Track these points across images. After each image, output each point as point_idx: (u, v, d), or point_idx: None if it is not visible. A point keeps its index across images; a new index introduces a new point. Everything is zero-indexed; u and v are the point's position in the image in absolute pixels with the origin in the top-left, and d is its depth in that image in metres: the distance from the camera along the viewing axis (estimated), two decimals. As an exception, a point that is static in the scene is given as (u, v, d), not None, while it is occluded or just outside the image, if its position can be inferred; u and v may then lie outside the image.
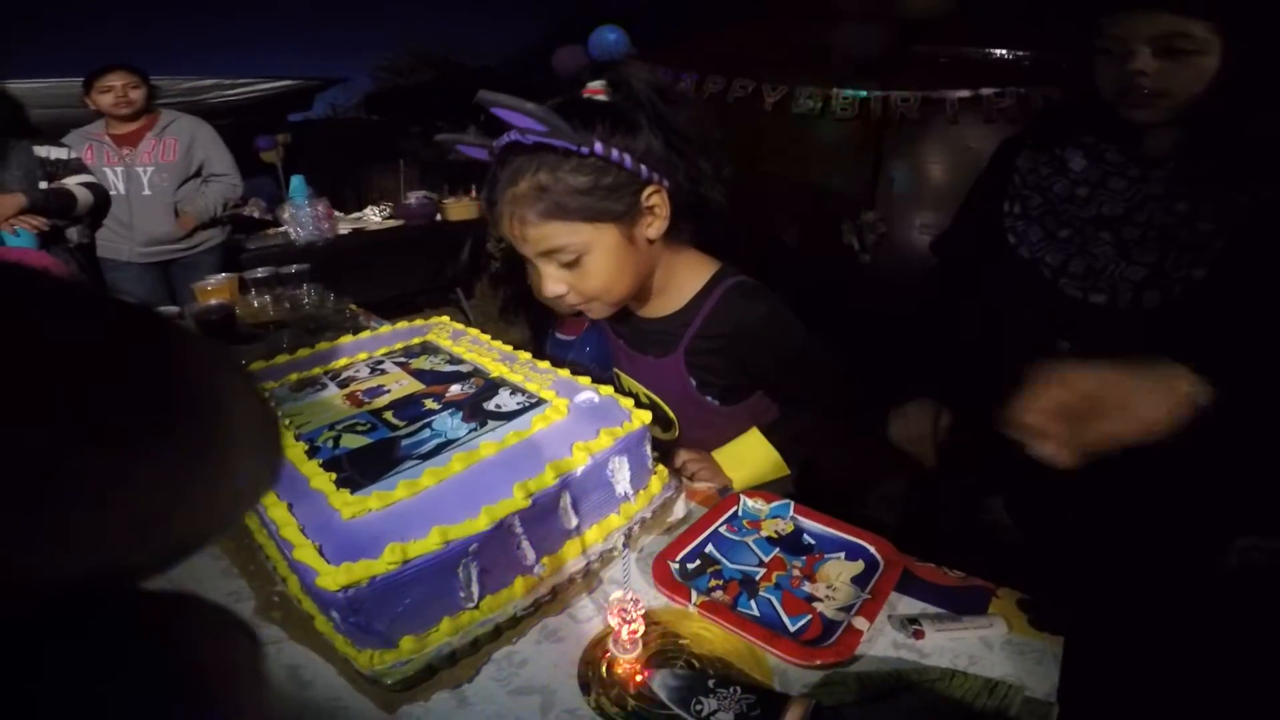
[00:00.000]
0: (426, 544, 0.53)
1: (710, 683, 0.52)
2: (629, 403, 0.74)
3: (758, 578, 0.65)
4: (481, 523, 0.56)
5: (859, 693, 0.53)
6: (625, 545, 0.70)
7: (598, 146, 0.72)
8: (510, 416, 0.73)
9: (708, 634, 0.59)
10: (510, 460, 0.64)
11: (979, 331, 1.00)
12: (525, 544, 0.60)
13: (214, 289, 1.61)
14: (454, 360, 0.89)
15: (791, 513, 0.74)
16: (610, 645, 0.55)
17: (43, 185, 2.19)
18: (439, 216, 3.60)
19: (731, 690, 0.51)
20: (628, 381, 0.97)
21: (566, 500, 0.63)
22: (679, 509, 0.77)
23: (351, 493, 0.60)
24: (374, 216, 3.58)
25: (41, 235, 2.16)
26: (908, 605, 0.63)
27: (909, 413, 1.06)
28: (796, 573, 0.66)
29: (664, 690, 0.51)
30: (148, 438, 0.13)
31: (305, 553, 0.54)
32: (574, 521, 0.65)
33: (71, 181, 2.26)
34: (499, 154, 0.77)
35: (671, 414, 0.93)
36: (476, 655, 0.57)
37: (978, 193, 1.04)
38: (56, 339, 0.12)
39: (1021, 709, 0.51)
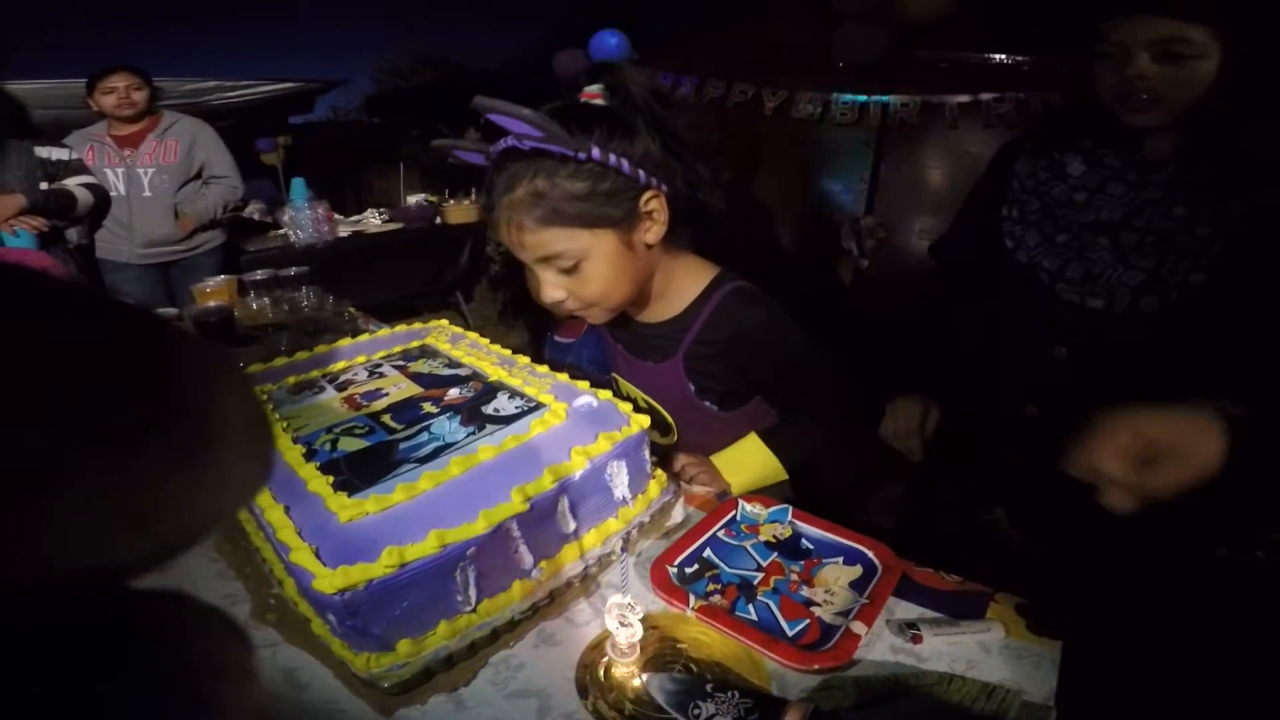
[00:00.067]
0: (424, 547, 0.53)
1: (708, 687, 0.52)
2: (627, 407, 0.74)
3: (756, 582, 0.65)
4: (479, 526, 0.56)
5: (857, 697, 0.53)
6: (623, 549, 0.70)
7: (595, 152, 0.72)
8: (509, 420, 0.73)
9: (705, 638, 0.59)
10: (508, 464, 0.64)
11: (977, 336, 1.01)
12: (523, 548, 0.60)
13: (213, 291, 1.61)
14: (453, 364, 0.89)
15: (790, 517, 0.74)
16: (608, 649, 0.55)
17: (43, 186, 2.20)
18: (439, 220, 3.60)
19: (729, 694, 0.51)
20: (625, 386, 0.97)
21: (564, 504, 0.63)
22: (677, 513, 0.77)
23: (349, 496, 0.60)
24: (374, 219, 3.58)
25: (41, 236, 2.17)
26: (905, 610, 0.63)
27: (898, 409, 1.06)
28: (794, 577, 0.66)
29: (661, 694, 0.51)
30: (144, 437, 0.13)
31: (302, 555, 0.54)
32: (572, 526, 0.65)
33: (72, 182, 2.26)
34: (496, 159, 0.76)
35: (670, 419, 0.93)
36: (474, 659, 0.57)
37: (976, 197, 1.04)
38: (55, 340, 0.12)
39: (1019, 713, 0.51)
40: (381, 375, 0.86)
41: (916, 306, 1.16)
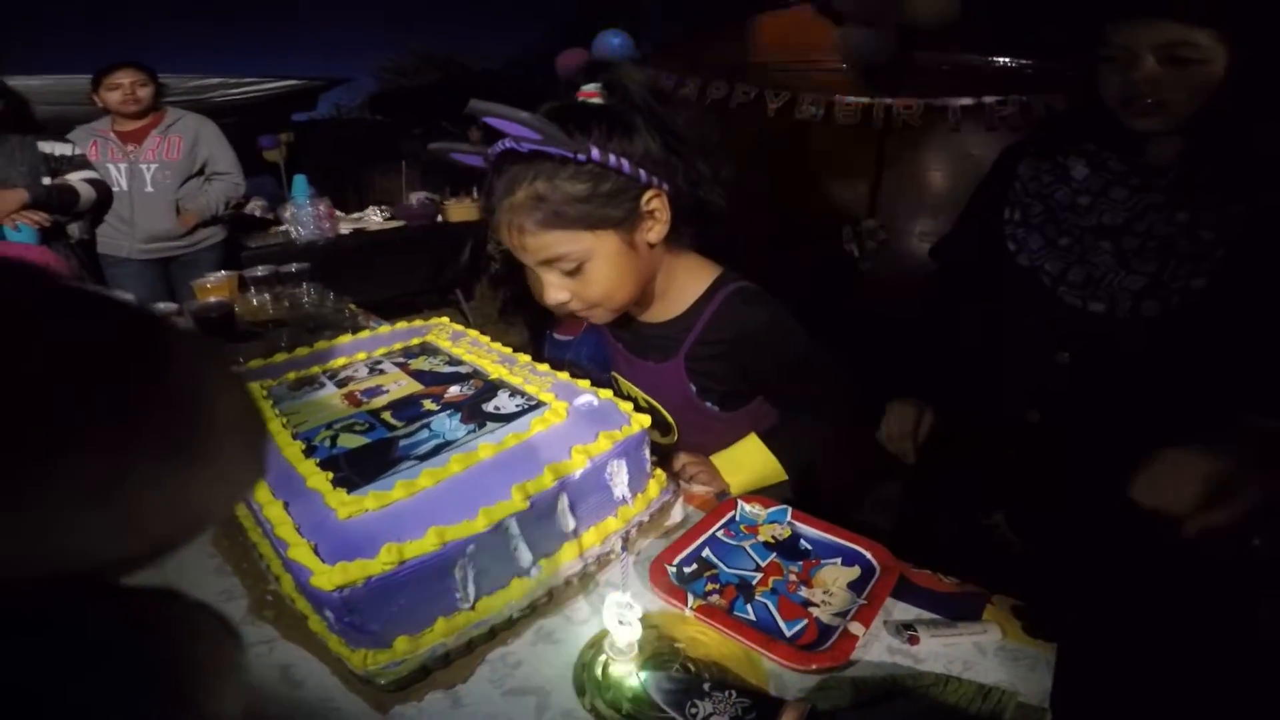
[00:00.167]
0: (423, 545, 0.53)
1: (706, 686, 0.52)
2: (628, 406, 0.74)
3: (754, 582, 0.65)
4: (479, 524, 0.56)
5: (854, 697, 0.53)
6: (624, 548, 0.70)
7: (594, 152, 0.71)
8: (509, 418, 0.73)
9: (704, 638, 0.59)
10: (508, 462, 0.64)
11: (978, 338, 1.01)
12: (522, 546, 0.60)
13: (214, 286, 1.61)
14: (453, 361, 0.89)
15: (789, 518, 0.74)
16: (606, 648, 0.55)
17: (46, 181, 2.20)
18: (440, 217, 3.60)
19: (727, 694, 0.51)
20: (626, 385, 0.96)
21: (564, 503, 0.63)
22: (676, 513, 0.77)
23: (348, 492, 0.60)
24: (375, 216, 3.58)
25: (43, 231, 2.17)
26: (903, 611, 0.63)
27: (893, 411, 1.06)
28: (793, 578, 0.66)
29: (659, 693, 0.51)
30: (137, 433, 0.13)
31: (300, 552, 0.53)
32: (571, 524, 0.65)
33: (74, 177, 2.27)
34: (494, 162, 0.76)
35: (670, 419, 0.93)
36: (471, 656, 0.57)
37: (979, 199, 1.04)
38: (48, 336, 0.12)
39: (1015, 714, 0.51)
40: (382, 372, 0.86)
41: (917, 308, 1.16)
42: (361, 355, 0.93)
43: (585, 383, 0.79)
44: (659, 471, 0.76)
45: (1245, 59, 0.74)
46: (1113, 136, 0.85)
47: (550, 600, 0.63)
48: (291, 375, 0.87)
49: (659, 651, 0.57)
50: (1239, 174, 0.79)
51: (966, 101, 2.16)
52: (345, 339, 0.99)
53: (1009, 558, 0.98)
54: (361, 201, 4.09)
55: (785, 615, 0.61)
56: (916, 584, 0.65)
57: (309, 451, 0.67)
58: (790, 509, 0.74)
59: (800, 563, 0.68)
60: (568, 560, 0.64)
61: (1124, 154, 0.86)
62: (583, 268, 0.77)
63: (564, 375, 0.82)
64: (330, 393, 0.82)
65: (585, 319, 0.88)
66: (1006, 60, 2.14)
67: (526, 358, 0.88)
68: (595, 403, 0.75)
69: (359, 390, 0.81)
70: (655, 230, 0.79)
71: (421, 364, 0.89)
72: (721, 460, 0.90)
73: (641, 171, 0.75)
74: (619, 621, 0.53)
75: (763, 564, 0.68)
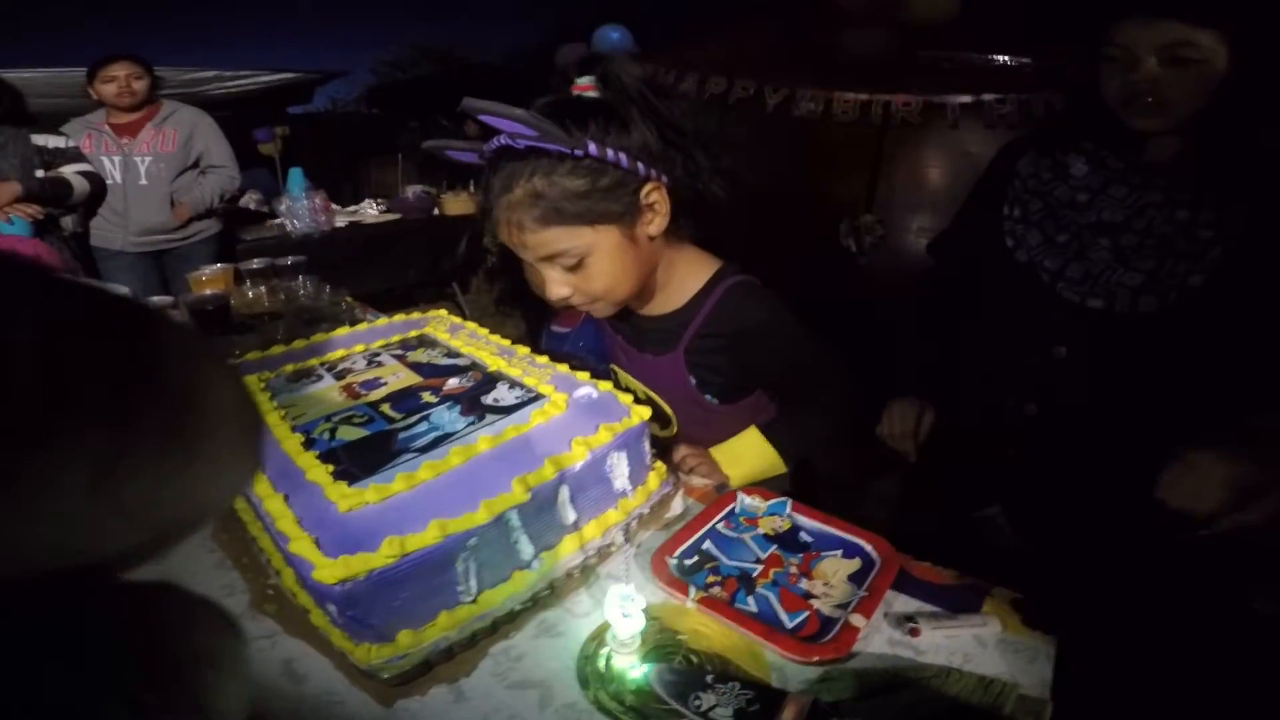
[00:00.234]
0: (424, 538, 0.53)
1: (709, 678, 0.52)
2: (628, 399, 0.74)
3: (755, 574, 0.65)
4: (480, 516, 0.55)
5: (857, 689, 0.53)
6: (625, 540, 0.70)
7: (591, 147, 0.71)
8: (509, 411, 0.72)
9: (706, 629, 0.59)
10: (508, 454, 0.64)
11: (976, 334, 1.01)
12: (523, 538, 0.60)
13: (209, 279, 1.60)
14: (452, 354, 0.89)
15: (789, 510, 0.74)
16: (608, 640, 0.55)
17: (39, 173, 2.18)
18: (436, 211, 3.60)
19: (730, 685, 0.51)
20: (625, 378, 0.96)
21: (565, 495, 0.63)
22: (676, 505, 0.77)
23: (348, 485, 0.59)
24: (371, 209, 3.57)
25: (36, 223, 2.15)
26: (903, 603, 0.63)
27: (893, 410, 1.07)
28: (793, 570, 0.66)
29: (662, 685, 0.51)
30: (132, 428, 0.13)
31: (302, 545, 0.53)
32: (572, 516, 0.64)
33: (68, 170, 2.25)
34: (490, 159, 0.75)
35: (670, 412, 0.93)
36: (474, 650, 0.57)
37: (978, 195, 1.04)
38: (43, 330, 0.12)
39: (1016, 706, 0.51)
40: (380, 364, 0.86)
41: (915, 304, 1.16)
42: (360, 348, 0.92)
43: (585, 375, 0.79)
44: (659, 464, 0.76)
45: (1246, 59, 0.74)
46: (1112, 135, 0.85)
47: (552, 593, 0.63)
48: (289, 368, 0.87)
49: (661, 644, 0.57)
50: (1238, 173, 0.79)
51: (966, 99, 2.15)
52: (343, 331, 0.99)
53: (1006, 551, 0.99)
54: (357, 194, 4.08)
55: (787, 607, 0.61)
56: (916, 576, 0.66)
57: (308, 444, 0.67)
58: (790, 501, 0.74)
59: (800, 555, 0.68)
60: (569, 553, 0.64)
61: (1123, 152, 0.86)
62: (584, 263, 0.76)
63: (563, 367, 0.82)
64: (328, 385, 0.81)
65: (585, 312, 0.88)
66: (1006, 58, 2.14)
67: (525, 350, 0.88)
68: (595, 395, 0.75)
69: (357, 383, 0.81)
70: (655, 223, 0.79)
71: (420, 356, 0.88)
72: (721, 453, 0.90)
73: (639, 164, 0.74)
74: (622, 614, 0.53)
75: (763, 556, 0.68)
